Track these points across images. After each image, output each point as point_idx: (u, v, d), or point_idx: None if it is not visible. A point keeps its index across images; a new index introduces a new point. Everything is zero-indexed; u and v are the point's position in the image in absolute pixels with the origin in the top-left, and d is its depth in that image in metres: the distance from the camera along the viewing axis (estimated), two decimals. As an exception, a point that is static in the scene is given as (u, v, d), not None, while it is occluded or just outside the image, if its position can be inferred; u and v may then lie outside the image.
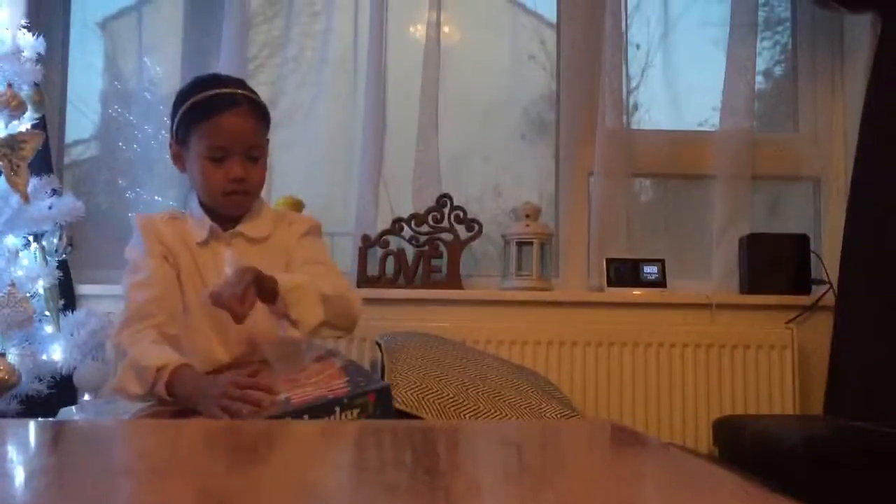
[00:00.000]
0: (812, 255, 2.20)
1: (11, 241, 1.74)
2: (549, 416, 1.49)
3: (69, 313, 1.85)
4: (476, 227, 2.18)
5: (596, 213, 2.25)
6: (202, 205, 1.54)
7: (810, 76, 2.39)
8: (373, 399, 1.21)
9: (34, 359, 1.72)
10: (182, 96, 1.51)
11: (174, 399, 1.31)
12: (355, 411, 1.19)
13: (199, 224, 1.52)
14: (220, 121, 1.44)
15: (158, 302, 1.42)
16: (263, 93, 1.61)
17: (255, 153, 1.48)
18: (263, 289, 1.31)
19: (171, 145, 1.53)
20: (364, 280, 2.15)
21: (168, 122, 2.20)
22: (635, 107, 2.40)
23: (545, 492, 0.59)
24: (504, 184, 2.40)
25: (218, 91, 1.48)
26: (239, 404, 1.21)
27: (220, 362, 1.48)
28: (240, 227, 1.53)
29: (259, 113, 1.50)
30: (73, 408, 1.40)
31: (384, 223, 2.21)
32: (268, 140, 1.57)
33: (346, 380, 1.24)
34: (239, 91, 1.49)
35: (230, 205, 1.50)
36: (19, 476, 0.65)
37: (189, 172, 1.52)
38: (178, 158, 1.53)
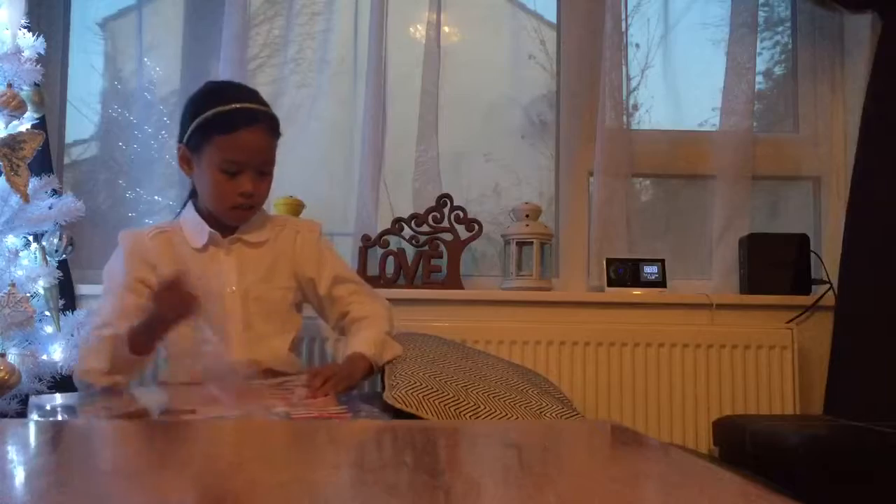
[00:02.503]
0: (812, 255, 2.20)
1: (11, 241, 1.74)
2: (549, 416, 1.49)
3: (69, 313, 1.85)
4: (476, 227, 2.18)
5: (596, 213, 2.25)
6: (199, 211, 1.55)
7: (810, 76, 2.39)
8: None
9: (34, 359, 1.72)
10: (197, 103, 1.51)
11: (137, 345, 1.37)
12: None
13: (197, 230, 1.53)
14: (239, 136, 1.46)
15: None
16: (263, 93, 1.62)
17: (267, 169, 1.51)
18: (367, 370, 1.47)
19: (178, 147, 1.54)
20: (364, 280, 2.14)
21: (168, 122, 2.20)
22: (635, 107, 2.40)
23: (545, 492, 0.59)
24: (504, 184, 2.40)
25: (239, 106, 1.48)
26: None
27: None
28: (239, 234, 1.55)
29: (274, 130, 1.53)
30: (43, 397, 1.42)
31: (384, 223, 2.21)
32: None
33: (343, 405, 1.29)
34: (259, 108, 1.51)
35: (234, 217, 1.53)
36: (19, 476, 0.64)
37: (197, 179, 1.53)
38: (186, 162, 1.53)
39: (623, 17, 2.28)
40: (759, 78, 2.35)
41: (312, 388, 1.35)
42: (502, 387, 1.56)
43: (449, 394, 1.44)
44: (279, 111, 1.62)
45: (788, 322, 2.12)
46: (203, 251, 1.53)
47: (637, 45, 2.40)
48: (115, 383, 1.42)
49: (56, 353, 1.78)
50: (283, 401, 1.31)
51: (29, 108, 1.77)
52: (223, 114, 1.47)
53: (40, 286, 1.77)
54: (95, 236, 2.18)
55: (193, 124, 1.48)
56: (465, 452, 0.83)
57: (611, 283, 2.16)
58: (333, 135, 2.30)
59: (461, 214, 2.19)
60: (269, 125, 1.51)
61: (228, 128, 1.45)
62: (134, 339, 1.37)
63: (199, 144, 1.49)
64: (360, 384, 1.55)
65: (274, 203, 2.08)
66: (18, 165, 1.70)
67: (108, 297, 1.53)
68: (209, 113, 1.47)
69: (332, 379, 1.38)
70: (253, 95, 1.55)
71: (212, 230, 1.53)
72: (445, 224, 2.18)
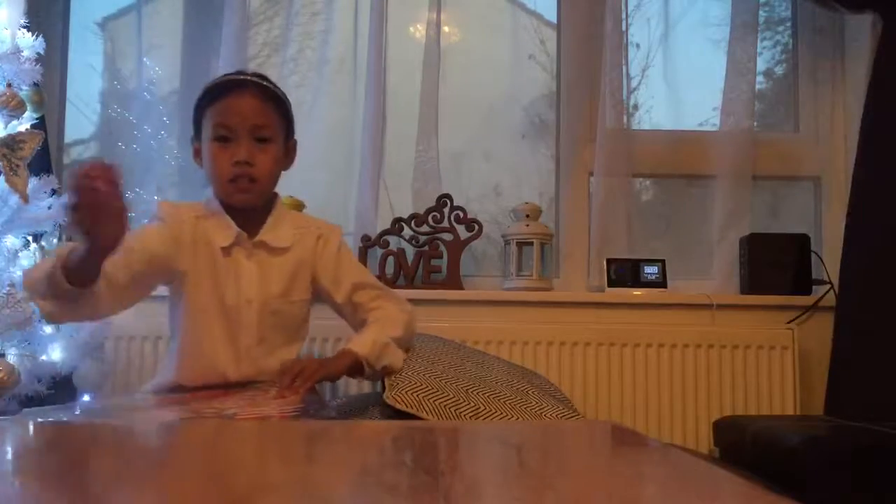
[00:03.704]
0: (812, 254, 2.20)
1: (11, 241, 1.74)
2: (549, 417, 1.49)
3: (69, 313, 1.84)
4: (476, 227, 2.18)
5: (596, 213, 2.25)
6: (223, 206, 1.49)
7: (810, 76, 2.39)
8: None
9: (34, 359, 1.72)
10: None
11: (70, 268, 1.20)
12: None
13: (224, 227, 1.47)
14: (227, 101, 1.44)
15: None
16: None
17: (263, 134, 1.44)
18: (351, 366, 1.41)
19: (192, 141, 1.52)
20: (366, 280, 2.14)
21: (168, 122, 2.20)
22: (635, 107, 2.40)
23: (545, 492, 0.59)
24: (504, 184, 2.40)
25: (228, 77, 1.50)
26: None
27: (226, 377, 1.46)
28: (262, 236, 1.48)
29: (268, 97, 1.47)
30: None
31: (384, 223, 2.21)
32: (296, 142, 1.56)
33: (302, 407, 1.26)
34: (250, 77, 1.49)
35: (236, 192, 1.44)
36: (19, 476, 0.64)
37: (204, 165, 1.49)
38: (198, 154, 1.51)
39: (623, 17, 2.28)
40: (759, 78, 2.35)
41: (281, 387, 1.31)
42: (502, 387, 1.56)
43: (449, 394, 1.44)
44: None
45: (789, 322, 2.12)
46: (227, 252, 1.46)
47: (637, 45, 2.40)
48: (49, 313, 1.29)
49: (55, 354, 1.77)
50: (240, 400, 1.29)
51: (28, 107, 1.77)
52: (212, 86, 1.48)
53: (40, 286, 1.76)
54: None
55: (195, 110, 1.49)
56: (465, 453, 0.82)
57: (611, 284, 2.16)
58: (333, 135, 2.30)
59: (461, 214, 2.19)
60: (260, 91, 1.46)
61: (217, 95, 1.45)
62: (70, 266, 1.20)
63: (199, 126, 1.48)
64: (341, 378, 1.49)
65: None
66: (18, 165, 1.69)
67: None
68: (203, 90, 1.48)
69: (301, 374, 1.33)
70: (253, 74, 1.53)
71: (240, 230, 1.46)
72: (445, 224, 2.18)
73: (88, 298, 1.26)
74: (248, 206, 1.48)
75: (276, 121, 1.48)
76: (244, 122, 1.43)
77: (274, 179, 1.50)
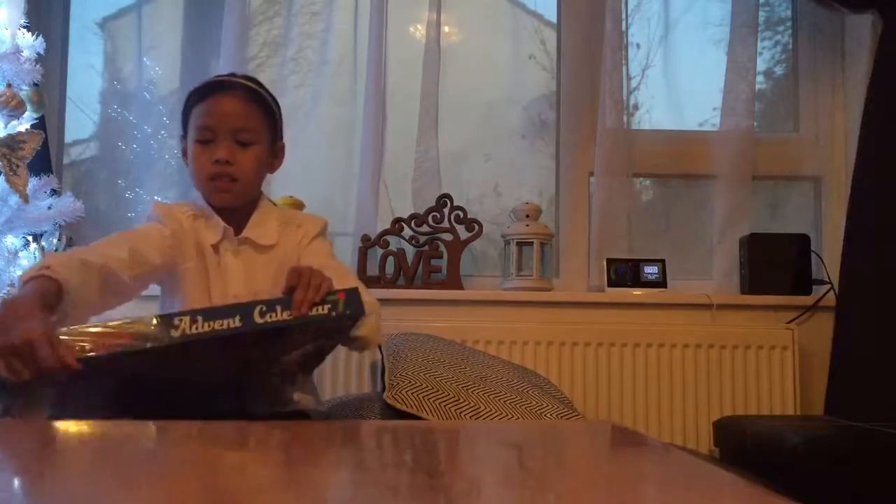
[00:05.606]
0: (812, 255, 2.20)
1: (11, 241, 1.74)
2: (549, 417, 1.49)
3: (69, 313, 1.84)
4: (476, 227, 2.18)
5: (596, 213, 2.25)
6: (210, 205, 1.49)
7: (811, 76, 2.39)
8: (342, 297, 1.15)
9: (34, 359, 1.72)
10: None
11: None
12: (326, 307, 1.13)
13: (212, 225, 1.46)
14: (211, 101, 1.43)
15: (126, 252, 1.33)
16: (263, 93, 1.61)
17: (245, 137, 1.43)
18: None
19: (181, 140, 1.51)
20: (364, 280, 2.14)
21: (168, 122, 2.20)
22: (635, 107, 2.40)
23: (545, 492, 0.59)
24: (504, 184, 2.40)
25: (215, 78, 1.48)
26: (18, 364, 1.01)
27: None
28: (247, 233, 1.47)
29: (253, 98, 1.45)
30: None
31: (384, 223, 2.21)
32: (283, 145, 1.54)
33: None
34: (238, 80, 1.47)
35: (216, 191, 1.44)
36: (19, 476, 0.64)
37: (188, 165, 1.49)
38: (185, 153, 1.50)
39: (623, 17, 2.28)
40: (759, 78, 2.35)
41: (296, 303, 1.13)
42: (503, 387, 1.56)
43: (449, 394, 1.44)
44: (279, 111, 1.60)
45: (789, 322, 2.12)
46: (216, 250, 1.46)
47: (637, 45, 2.40)
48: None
49: (55, 354, 1.77)
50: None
51: (28, 107, 1.77)
52: (200, 86, 1.46)
53: (40, 286, 1.76)
54: (95, 236, 2.17)
55: (183, 109, 1.48)
56: (465, 452, 0.82)
57: (611, 284, 2.16)
58: (333, 135, 2.30)
59: (461, 214, 2.19)
60: (245, 93, 1.45)
61: (202, 96, 1.44)
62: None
63: (185, 126, 1.47)
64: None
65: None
66: (18, 165, 1.70)
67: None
68: (191, 90, 1.47)
69: (313, 287, 1.15)
70: (243, 76, 1.51)
71: (227, 226, 1.46)
72: (445, 224, 2.18)
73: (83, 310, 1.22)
74: (228, 205, 1.47)
75: (259, 124, 1.46)
76: (225, 123, 1.42)
77: (256, 181, 1.49)
